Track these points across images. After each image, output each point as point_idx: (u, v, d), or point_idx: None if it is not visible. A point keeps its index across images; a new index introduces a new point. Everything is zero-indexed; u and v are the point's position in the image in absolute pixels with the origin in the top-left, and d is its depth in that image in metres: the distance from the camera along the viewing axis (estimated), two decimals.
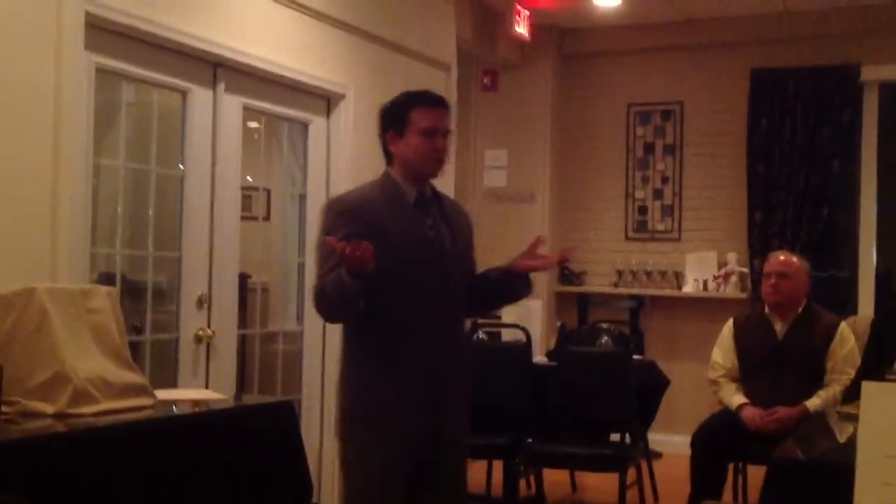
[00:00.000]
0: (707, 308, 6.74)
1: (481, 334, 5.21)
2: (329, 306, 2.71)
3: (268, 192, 5.49)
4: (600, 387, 4.54)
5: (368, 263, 2.52)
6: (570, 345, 4.95)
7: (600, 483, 5.56)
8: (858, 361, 4.27)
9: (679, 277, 6.99)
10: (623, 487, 4.31)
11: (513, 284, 2.90)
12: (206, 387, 4.32)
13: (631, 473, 4.44)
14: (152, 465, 2.76)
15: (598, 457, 4.47)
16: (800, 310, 4.51)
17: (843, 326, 4.45)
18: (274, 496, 2.88)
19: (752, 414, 4.33)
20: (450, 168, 6.23)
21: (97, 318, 2.97)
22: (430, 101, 2.82)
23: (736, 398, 4.42)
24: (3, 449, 2.45)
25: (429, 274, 2.77)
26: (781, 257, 4.60)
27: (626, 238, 7.22)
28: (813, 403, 4.19)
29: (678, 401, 6.12)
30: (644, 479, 4.74)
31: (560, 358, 4.89)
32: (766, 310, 4.56)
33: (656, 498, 4.56)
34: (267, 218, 5.35)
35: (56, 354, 2.79)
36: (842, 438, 3.22)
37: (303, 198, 5.11)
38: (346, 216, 2.73)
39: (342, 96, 5.07)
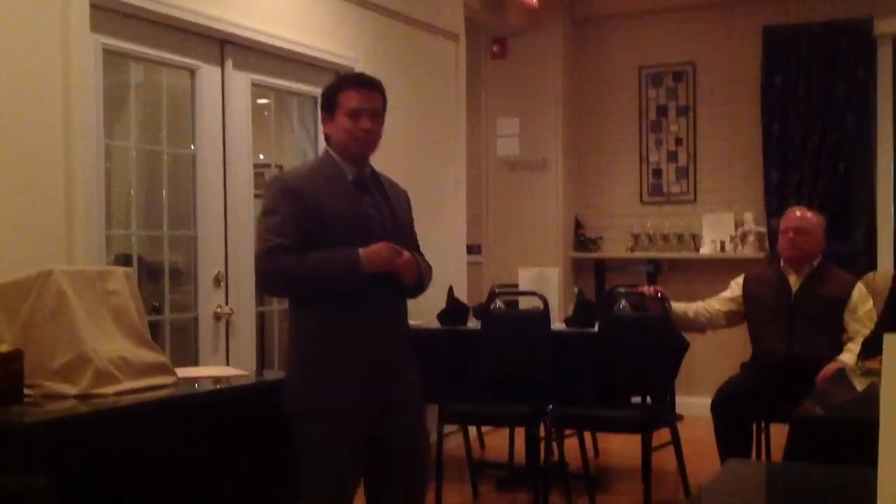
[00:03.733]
0: (725, 269, 6.68)
1: (499, 303, 5.20)
2: (302, 281, 2.72)
3: (280, 167, 5.49)
4: (627, 351, 4.52)
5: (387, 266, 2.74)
6: (587, 311, 4.93)
7: (622, 447, 5.57)
8: (871, 324, 4.26)
9: (696, 240, 6.95)
10: (648, 450, 4.31)
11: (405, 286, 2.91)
12: (227, 364, 4.35)
13: (656, 437, 4.44)
14: (175, 443, 2.78)
15: (624, 419, 4.47)
16: (815, 264, 4.50)
17: (860, 285, 4.43)
18: (295, 471, 2.89)
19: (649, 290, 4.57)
20: (460, 138, 6.23)
21: (115, 299, 2.98)
22: (358, 82, 2.87)
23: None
24: (28, 430, 2.48)
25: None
26: (798, 213, 4.58)
27: (642, 202, 7.18)
28: (849, 357, 4.16)
29: (697, 363, 6.12)
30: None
31: (579, 322, 4.88)
32: (782, 264, 4.56)
33: (681, 459, 4.56)
34: None
35: (76, 336, 2.81)
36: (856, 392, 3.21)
37: None
38: (288, 194, 2.76)
39: (350, 69, 5.04)
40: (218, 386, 3.20)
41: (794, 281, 4.50)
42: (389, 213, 2.90)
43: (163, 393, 2.93)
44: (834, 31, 6.44)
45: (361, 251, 2.71)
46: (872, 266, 6.36)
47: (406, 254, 2.80)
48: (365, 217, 2.82)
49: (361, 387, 2.77)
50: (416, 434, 2.92)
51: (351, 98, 2.81)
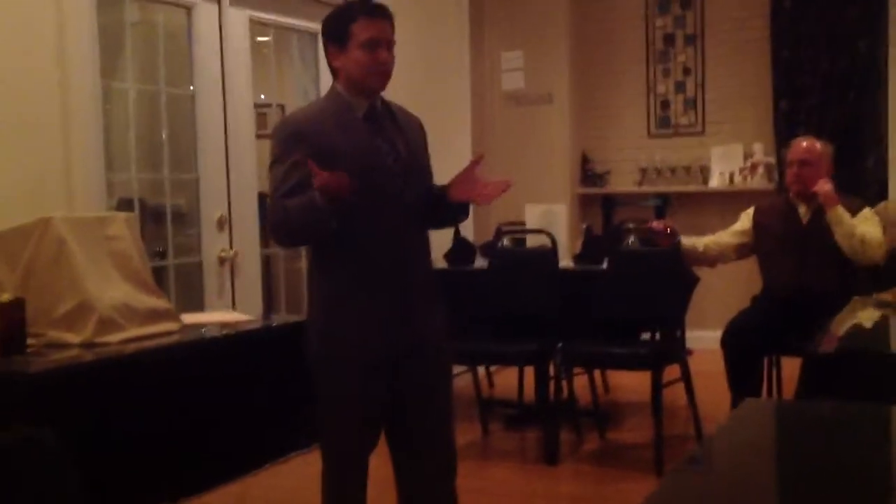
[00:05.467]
0: (734, 202, 6.60)
1: (506, 241, 5.15)
2: (294, 230, 2.61)
3: (282, 107, 5.41)
4: (636, 287, 4.48)
5: (345, 191, 2.46)
6: (596, 247, 4.88)
7: (631, 383, 5.56)
8: (880, 235, 4.22)
9: (704, 172, 6.87)
10: (659, 387, 4.29)
11: (448, 210, 2.79)
12: (233, 308, 4.32)
13: (666, 372, 4.42)
14: (183, 391, 2.75)
15: (635, 356, 4.44)
16: None
17: (868, 209, 4.38)
18: (303, 416, 2.87)
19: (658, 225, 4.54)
20: (464, 73, 6.11)
21: (117, 245, 2.94)
22: (372, 11, 2.65)
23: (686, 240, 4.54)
24: (33, 381, 2.45)
25: (385, 188, 2.67)
26: (804, 144, 4.49)
27: (649, 135, 7.07)
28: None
29: (706, 297, 6.05)
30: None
31: (588, 259, 4.84)
32: (791, 195, 4.49)
33: (691, 395, 4.54)
34: None
35: (78, 284, 2.77)
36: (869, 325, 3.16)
37: None
38: (295, 138, 2.61)
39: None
40: (225, 332, 3.15)
41: (804, 212, 4.44)
42: (403, 145, 2.75)
43: (169, 340, 2.90)
44: None
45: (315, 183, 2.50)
46: (884, 195, 6.27)
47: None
48: (377, 152, 2.69)
49: (384, 332, 2.68)
50: (442, 376, 2.86)
51: (365, 29, 2.62)
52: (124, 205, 4.05)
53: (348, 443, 2.75)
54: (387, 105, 2.79)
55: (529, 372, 5.31)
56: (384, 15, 2.68)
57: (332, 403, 2.72)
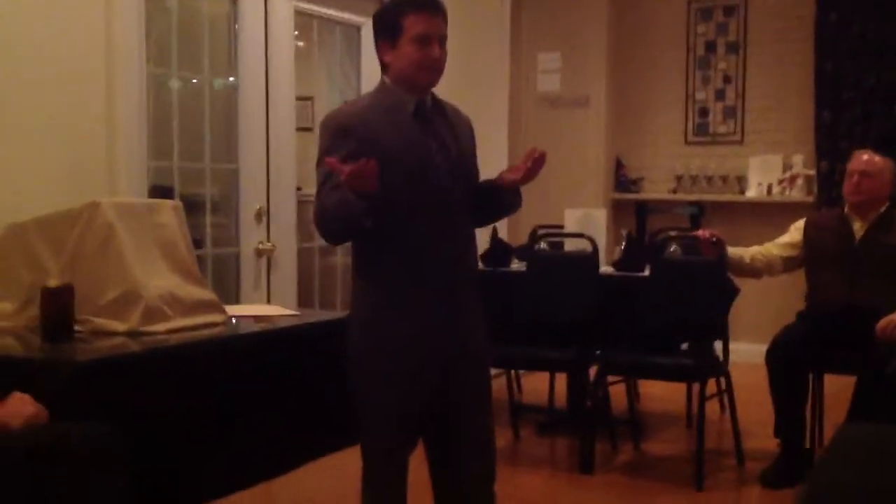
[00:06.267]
0: (771, 213, 6.52)
1: (543, 245, 5.05)
2: (331, 227, 2.54)
3: (311, 100, 5.34)
4: (679, 296, 4.37)
5: (374, 182, 2.36)
6: (637, 254, 4.78)
7: (663, 393, 5.46)
8: None
9: (741, 182, 6.76)
10: (703, 399, 4.18)
11: (503, 198, 2.72)
12: (268, 301, 4.25)
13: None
14: (226, 383, 2.67)
15: (678, 367, 4.33)
16: (882, 210, 4.32)
17: None
18: (344, 414, 2.79)
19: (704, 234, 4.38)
20: (503, 73, 6.02)
21: (164, 233, 2.86)
22: (423, 4, 2.57)
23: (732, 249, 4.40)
24: (80, 369, 2.36)
25: (434, 187, 2.59)
26: (865, 157, 4.39)
27: (686, 142, 6.97)
28: None
29: (742, 309, 5.95)
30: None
31: (629, 266, 4.74)
32: (846, 209, 4.38)
33: (732, 407, 4.44)
34: (311, 129, 5.19)
35: (125, 271, 2.69)
36: None
37: None
38: (342, 133, 2.53)
39: None
40: (271, 326, 3.07)
41: (858, 227, 4.33)
42: (453, 143, 2.68)
43: (214, 332, 2.81)
44: None
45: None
46: None
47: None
48: (426, 150, 2.61)
49: (432, 333, 2.60)
50: (486, 381, 2.78)
51: (417, 23, 2.55)
52: (156, 192, 3.97)
53: (389, 441, 2.67)
54: (438, 102, 2.72)
55: (560, 377, 5.22)
56: (437, 9, 2.60)
57: (374, 401, 2.64)
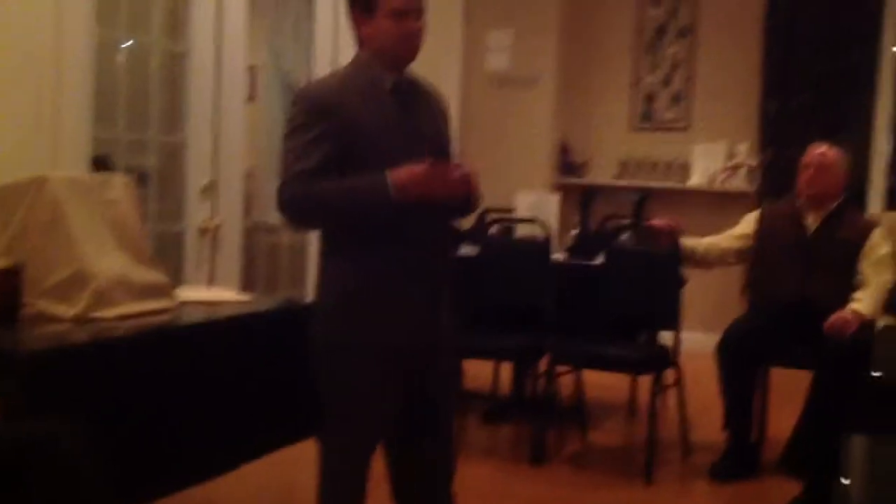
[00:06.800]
0: (714, 201, 6.53)
1: (493, 230, 4.94)
2: (329, 213, 2.42)
3: (253, 69, 5.12)
4: (632, 286, 4.32)
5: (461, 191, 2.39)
6: (591, 241, 4.71)
7: (606, 381, 5.41)
8: (891, 268, 4.11)
9: (685, 169, 6.75)
10: (655, 392, 4.13)
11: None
12: (211, 280, 4.06)
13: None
14: (176, 375, 2.50)
15: (635, 358, 4.28)
16: (834, 205, 4.31)
17: (880, 229, 4.26)
18: (300, 406, 2.65)
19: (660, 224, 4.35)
20: (456, 50, 5.87)
21: (115, 211, 2.67)
22: None
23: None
24: (26, 360, 2.17)
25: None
26: (820, 149, 4.36)
27: (632, 127, 6.93)
28: (865, 308, 3.99)
29: (686, 297, 5.96)
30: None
31: (582, 253, 4.66)
32: (800, 203, 4.36)
33: (682, 400, 4.41)
34: (252, 98, 4.99)
35: (74, 251, 2.50)
36: None
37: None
38: (320, 110, 2.40)
39: None
40: (227, 313, 2.88)
41: (811, 220, 4.31)
42: (431, 123, 2.58)
43: (168, 319, 2.64)
44: None
45: (391, 177, 2.35)
46: (864, 202, 6.23)
47: (460, 169, 2.45)
48: (405, 130, 2.48)
49: (411, 323, 2.50)
50: (455, 375, 2.68)
51: None
52: (98, 164, 3.74)
53: (357, 436, 2.55)
54: (414, 80, 2.60)
55: (505, 365, 5.13)
56: None
57: (344, 395, 2.51)
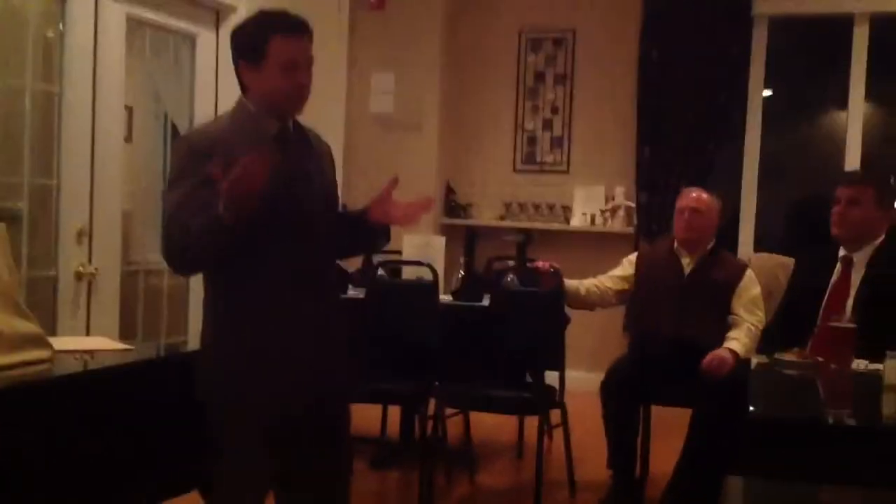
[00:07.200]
0: (594, 242, 6.68)
1: (381, 272, 4.92)
2: (194, 251, 2.32)
3: (129, 109, 4.99)
4: (517, 327, 4.36)
5: (260, 181, 2.20)
6: (476, 283, 4.74)
7: (494, 421, 5.43)
8: (762, 308, 4.28)
9: (567, 211, 6.89)
10: (542, 434, 4.17)
11: (369, 235, 2.64)
12: (87, 330, 3.92)
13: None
14: (55, 428, 2.39)
15: (521, 400, 4.30)
16: (708, 248, 4.47)
17: (750, 272, 4.44)
18: (187, 452, 2.57)
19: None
20: (340, 95, 5.86)
21: None
22: (290, 27, 2.43)
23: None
24: None
25: (296, 215, 2.46)
26: (693, 194, 4.52)
27: (515, 170, 7.04)
28: (740, 347, 4.13)
29: (569, 336, 6.05)
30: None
31: (468, 295, 4.68)
32: (675, 245, 4.50)
33: (567, 439, 4.45)
34: (129, 139, 4.85)
35: None
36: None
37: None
38: (202, 155, 2.33)
39: (233, 9, 4.63)
40: (109, 363, 2.78)
41: (687, 262, 4.45)
42: (316, 170, 2.55)
43: (44, 371, 2.53)
44: (713, 7, 6.42)
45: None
46: (732, 249, 6.46)
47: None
48: (289, 177, 2.43)
49: (293, 377, 2.45)
50: (347, 424, 2.65)
51: (285, 48, 2.39)
52: None
53: (247, 483, 2.50)
54: (300, 127, 2.58)
55: (395, 408, 5.09)
56: (304, 30, 2.46)
57: (231, 441, 2.46)
